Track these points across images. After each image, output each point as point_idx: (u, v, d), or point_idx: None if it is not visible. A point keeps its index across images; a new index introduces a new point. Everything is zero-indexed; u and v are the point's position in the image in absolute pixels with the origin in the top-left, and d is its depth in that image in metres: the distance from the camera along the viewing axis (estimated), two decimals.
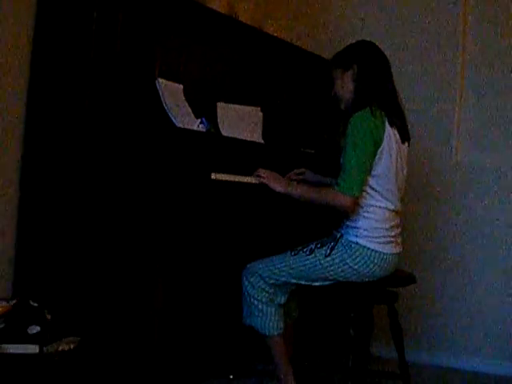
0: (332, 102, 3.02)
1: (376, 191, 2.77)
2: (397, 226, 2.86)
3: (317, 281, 2.82)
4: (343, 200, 2.71)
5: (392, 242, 2.82)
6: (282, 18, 4.32)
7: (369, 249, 2.75)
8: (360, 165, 2.71)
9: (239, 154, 2.95)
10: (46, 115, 2.84)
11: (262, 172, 2.92)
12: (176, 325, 2.85)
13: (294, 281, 2.82)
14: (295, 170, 3.16)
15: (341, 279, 2.79)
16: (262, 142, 3.26)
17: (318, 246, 2.81)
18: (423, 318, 4.03)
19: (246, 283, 2.84)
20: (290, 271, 2.80)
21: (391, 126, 2.78)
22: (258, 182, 2.88)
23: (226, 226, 2.95)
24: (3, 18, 2.79)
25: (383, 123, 2.76)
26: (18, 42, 2.86)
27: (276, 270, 2.81)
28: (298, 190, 2.86)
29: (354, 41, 3.00)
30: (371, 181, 2.76)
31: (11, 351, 2.44)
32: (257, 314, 2.82)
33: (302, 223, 3.24)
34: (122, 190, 2.65)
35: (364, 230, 2.76)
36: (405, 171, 2.90)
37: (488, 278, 3.89)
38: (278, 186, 2.87)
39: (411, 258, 3.76)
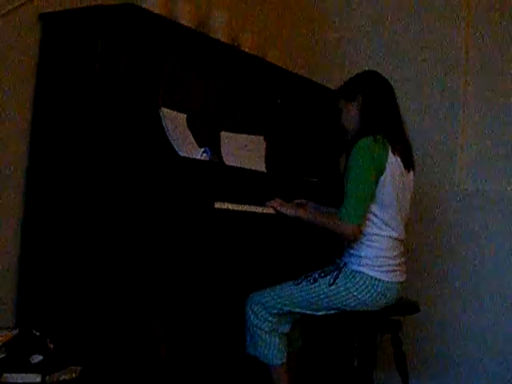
0: (338, 131, 3.03)
1: (379, 219, 2.77)
2: (401, 255, 2.86)
3: (321, 310, 2.81)
4: (344, 228, 2.71)
5: (396, 270, 2.81)
6: (285, 46, 4.35)
7: (372, 278, 2.74)
8: (361, 192, 2.71)
9: (242, 183, 2.96)
10: (51, 143, 2.86)
11: (271, 202, 2.94)
12: (178, 353, 2.83)
13: (297, 310, 2.81)
14: (295, 201, 3.12)
15: (345, 308, 2.78)
16: (265, 170, 3.26)
17: (322, 274, 2.81)
18: (427, 347, 4.00)
19: (250, 313, 2.84)
20: (294, 300, 2.79)
21: (395, 154, 2.78)
22: (267, 211, 2.90)
23: (229, 255, 2.94)
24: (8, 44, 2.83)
25: (386, 151, 2.76)
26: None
27: (279, 300, 2.80)
28: (306, 214, 2.88)
29: (357, 70, 3.02)
30: (374, 208, 2.77)
31: (13, 381, 2.43)
32: (260, 343, 2.81)
33: (304, 252, 3.23)
34: (124, 219, 2.65)
35: (368, 258, 2.76)
36: (409, 199, 2.90)
37: (493, 306, 3.85)
38: (287, 209, 2.90)
39: (415, 286, 3.75)
